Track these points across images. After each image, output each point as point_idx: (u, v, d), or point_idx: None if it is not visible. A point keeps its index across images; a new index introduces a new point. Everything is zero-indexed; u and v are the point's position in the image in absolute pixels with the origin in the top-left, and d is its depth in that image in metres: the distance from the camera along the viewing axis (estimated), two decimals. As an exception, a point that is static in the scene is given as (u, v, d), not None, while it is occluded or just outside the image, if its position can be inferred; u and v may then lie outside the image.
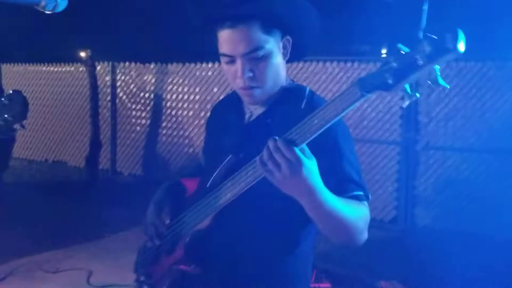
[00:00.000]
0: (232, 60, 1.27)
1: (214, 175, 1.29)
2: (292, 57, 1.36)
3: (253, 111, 1.37)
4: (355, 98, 0.99)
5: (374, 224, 5.16)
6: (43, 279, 3.83)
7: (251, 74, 1.25)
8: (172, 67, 6.96)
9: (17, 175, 7.95)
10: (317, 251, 4.59)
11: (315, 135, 1.05)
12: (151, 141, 7.27)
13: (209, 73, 6.73)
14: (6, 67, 9.19)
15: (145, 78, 7.31)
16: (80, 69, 7.62)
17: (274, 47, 1.28)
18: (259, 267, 1.33)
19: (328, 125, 1.04)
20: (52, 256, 4.28)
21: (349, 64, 5.71)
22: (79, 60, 7.34)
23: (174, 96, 6.97)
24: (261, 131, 1.14)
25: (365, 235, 1.22)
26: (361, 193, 1.24)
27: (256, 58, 1.25)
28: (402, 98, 0.97)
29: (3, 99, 1.31)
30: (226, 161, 1.28)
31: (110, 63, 7.55)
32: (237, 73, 1.26)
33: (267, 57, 1.26)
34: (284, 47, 1.32)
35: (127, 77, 7.49)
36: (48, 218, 5.57)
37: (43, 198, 6.55)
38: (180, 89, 6.92)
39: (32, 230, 5.02)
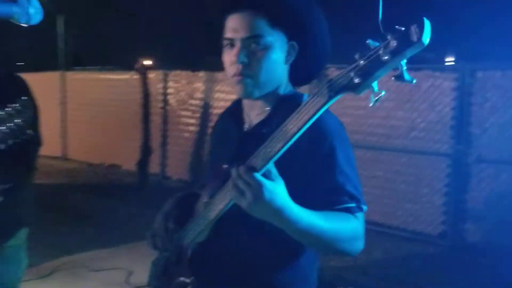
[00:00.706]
0: (231, 44, 1.25)
1: (211, 187, 1.27)
2: (301, 74, 1.32)
3: (252, 120, 1.35)
4: (324, 101, 0.95)
5: (420, 238, 5.01)
6: (86, 276, 4.01)
7: (246, 60, 1.23)
8: (220, 75, 7.09)
9: (74, 176, 8.39)
10: (356, 264, 4.50)
11: (291, 142, 1.01)
12: (199, 147, 7.42)
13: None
14: (69, 75, 9.76)
15: (194, 85, 7.50)
16: (135, 77, 7.94)
17: (276, 43, 1.25)
18: (258, 277, 1.31)
19: (303, 130, 0.99)
20: (96, 254, 4.47)
21: (397, 72, 5.54)
22: (134, 68, 7.65)
23: (221, 104, 7.09)
24: (256, 141, 1.09)
25: (358, 245, 1.20)
26: (353, 205, 1.20)
27: (255, 46, 1.23)
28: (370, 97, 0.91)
29: (16, 105, 1.40)
30: (222, 171, 1.23)
31: (162, 71, 7.83)
32: (233, 59, 1.25)
33: (266, 49, 1.23)
34: (288, 52, 1.29)
35: (178, 85, 7.72)
36: (97, 218, 5.83)
37: (96, 199, 6.87)
38: (227, 97, 7.03)
39: (81, 229, 5.28)
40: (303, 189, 1.17)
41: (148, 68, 7.86)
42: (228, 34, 1.26)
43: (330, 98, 0.95)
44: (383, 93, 0.90)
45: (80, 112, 9.40)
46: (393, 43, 0.84)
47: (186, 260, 1.32)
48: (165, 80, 7.80)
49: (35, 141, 1.72)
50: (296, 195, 1.11)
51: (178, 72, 7.72)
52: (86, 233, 5.16)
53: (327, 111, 1.21)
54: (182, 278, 1.33)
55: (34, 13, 0.93)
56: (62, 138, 9.76)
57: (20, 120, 1.38)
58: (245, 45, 1.23)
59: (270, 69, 1.25)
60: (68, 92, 9.64)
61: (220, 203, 1.18)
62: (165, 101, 7.84)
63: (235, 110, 1.42)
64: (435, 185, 5.29)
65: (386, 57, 0.85)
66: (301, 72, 1.33)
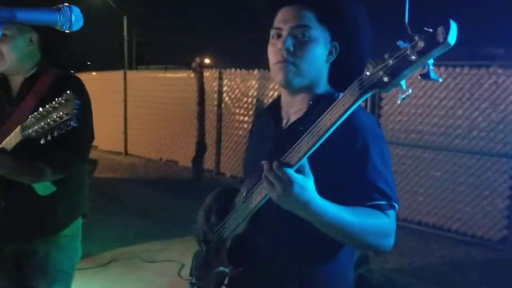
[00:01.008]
0: (278, 35, 1.30)
1: (250, 181, 1.32)
2: (340, 76, 1.34)
3: (290, 117, 1.38)
4: (355, 98, 0.99)
5: (480, 243, 4.80)
6: (141, 267, 4.18)
7: (291, 47, 1.27)
8: (274, 73, 7.12)
9: (134, 171, 8.75)
10: (410, 268, 4.36)
11: (322, 139, 1.05)
12: (253, 145, 7.49)
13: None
14: (131, 74, 10.18)
15: (248, 83, 7.58)
16: (192, 75, 8.15)
17: (321, 38, 1.29)
18: (295, 270, 1.34)
19: (334, 127, 1.03)
20: (151, 246, 4.65)
21: (458, 70, 5.32)
22: (190, 67, 7.85)
23: (275, 102, 7.13)
24: (293, 138, 1.13)
25: (387, 241, 1.21)
26: (383, 202, 1.21)
27: (301, 37, 1.27)
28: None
29: (60, 99, 1.49)
30: (259, 167, 1.30)
31: (218, 70, 7.98)
32: (278, 46, 1.29)
33: (311, 41, 1.27)
34: (330, 52, 1.32)
35: (233, 83, 7.84)
36: (154, 211, 6.06)
37: (153, 193, 7.13)
38: (281, 95, 7.06)
39: (138, 221, 5.51)
40: (336, 185, 1.20)
41: (204, 66, 8.04)
42: (277, 24, 1.31)
43: (360, 95, 0.99)
44: (410, 91, 0.94)
45: (140, 109, 9.79)
46: (421, 44, 0.88)
47: (225, 251, 1.36)
48: (220, 78, 7.95)
49: (81, 133, 1.81)
50: (329, 191, 1.14)
51: (232, 70, 7.84)
52: (142, 225, 5.37)
53: (360, 108, 1.22)
54: (221, 268, 1.37)
55: (75, 20, 1.00)
56: (123, 134, 10.21)
57: (63, 113, 1.47)
58: (292, 33, 1.28)
59: (313, 60, 1.29)
60: (129, 90, 10.06)
61: (257, 197, 1.22)
62: (220, 99, 7.99)
63: (273, 108, 1.45)
64: (497, 188, 5.03)
65: (413, 57, 0.89)
66: (340, 74, 1.35)
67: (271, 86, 7.21)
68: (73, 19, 0.98)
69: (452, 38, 0.85)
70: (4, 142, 1.65)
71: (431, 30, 0.87)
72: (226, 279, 1.40)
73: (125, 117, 10.13)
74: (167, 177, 8.27)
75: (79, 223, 2.04)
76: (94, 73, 11.47)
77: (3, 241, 1.87)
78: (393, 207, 1.22)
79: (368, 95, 0.98)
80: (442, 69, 5.39)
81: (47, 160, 1.76)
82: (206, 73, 7.97)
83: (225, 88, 7.96)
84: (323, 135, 1.04)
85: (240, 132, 7.72)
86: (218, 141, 8.04)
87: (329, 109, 1.04)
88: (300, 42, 1.27)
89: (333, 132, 1.04)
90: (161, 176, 8.32)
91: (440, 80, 0.94)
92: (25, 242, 1.90)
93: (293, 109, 1.37)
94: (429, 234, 5.28)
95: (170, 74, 9.16)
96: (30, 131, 1.53)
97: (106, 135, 10.32)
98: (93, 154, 2.44)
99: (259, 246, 1.35)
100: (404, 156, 5.64)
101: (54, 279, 1.95)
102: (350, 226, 1.15)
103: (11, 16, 0.90)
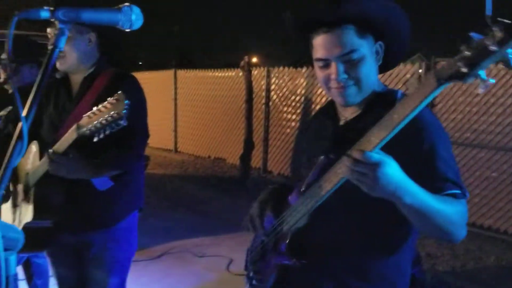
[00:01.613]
0: (326, 64, 1.31)
1: (308, 176, 1.35)
2: (383, 63, 1.37)
3: (347, 116, 1.40)
4: (432, 88, 1.00)
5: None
6: (191, 261, 4.28)
7: (346, 76, 1.29)
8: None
9: (184, 168, 8.94)
10: (464, 270, 4.20)
11: (396, 130, 1.07)
12: (300, 143, 7.47)
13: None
14: (181, 73, 10.40)
15: (296, 81, 7.56)
16: (240, 74, 8.22)
17: (368, 51, 1.31)
18: (356, 263, 1.36)
19: (408, 118, 1.05)
20: (201, 241, 4.75)
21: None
22: (239, 65, 7.93)
23: (323, 99, 7.06)
24: (352, 135, 1.16)
25: (463, 232, 1.24)
26: (458, 191, 1.24)
27: (350, 61, 1.29)
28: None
29: (112, 99, 1.55)
30: (318, 163, 1.33)
31: (266, 68, 8.00)
32: (331, 76, 1.31)
33: (360, 60, 1.29)
34: (377, 52, 1.35)
35: (281, 81, 7.84)
36: (203, 207, 6.18)
37: (202, 189, 7.26)
38: (329, 93, 6.99)
39: (188, 216, 5.64)
40: None
41: (252, 65, 8.09)
42: (321, 54, 1.32)
43: (437, 86, 1.00)
44: (491, 81, 0.95)
45: (190, 108, 9.99)
46: (499, 34, 0.89)
47: (286, 244, 1.39)
48: (268, 77, 7.97)
49: (137, 131, 1.89)
50: None
51: (281, 68, 7.84)
52: (191, 220, 5.50)
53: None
54: (283, 261, 1.40)
55: (135, 19, 1.04)
56: (174, 132, 10.46)
57: (114, 113, 1.53)
58: (341, 62, 1.30)
59: (368, 75, 1.33)
60: (179, 89, 10.29)
61: (320, 192, 1.25)
62: (268, 97, 8.02)
63: (329, 109, 1.49)
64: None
65: (493, 48, 0.90)
66: (384, 63, 1.38)
67: (319, 84, 7.15)
68: (133, 18, 1.03)
69: None
70: (60, 142, 1.74)
71: (507, 21, 0.88)
72: (286, 272, 1.43)
73: (175, 115, 10.37)
74: (215, 174, 8.39)
75: (135, 217, 2.12)
76: (146, 73, 11.82)
77: (64, 233, 1.98)
78: (465, 196, 1.25)
79: (445, 86, 1.00)
80: (499, 65, 5.14)
81: (104, 157, 1.85)
82: (254, 72, 8.02)
83: (273, 86, 7.98)
84: (395, 127, 1.06)
85: (288, 130, 7.71)
86: (266, 139, 8.07)
87: (401, 101, 1.06)
88: (351, 65, 1.30)
89: (405, 124, 1.05)
90: (209, 173, 8.46)
91: None
92: (84, 234, 2.01)
93: (351, 109, 1.39)
94: (484, 236, 5.07)
95: (218, 73, 9.29)
96: (85, 129, 1.61)
97: (157, 133, 10.60)
98: (145, 151, 2.54)
99: (320, 239, 1.37)
100: (459, 156, 5.43)
101: (110, 269, 2.05)
102: (436, 212, 1.17)
103: (77, 16, 0.96)
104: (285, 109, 7.77)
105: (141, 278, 3.79)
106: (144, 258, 4.17)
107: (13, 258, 0.77)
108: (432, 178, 1.23)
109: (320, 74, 1.35)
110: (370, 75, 1.33)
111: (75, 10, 0.96)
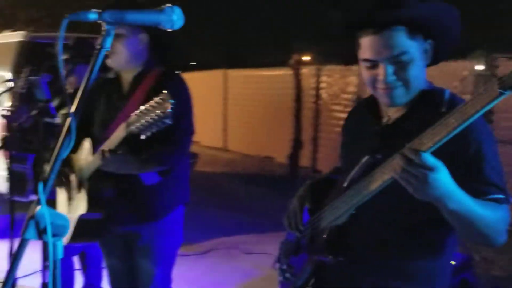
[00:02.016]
0: (374, 65, 1.29)
1: (351, 174, 1.35)
2: (431, 60, 1.35)
3: (391, 114, 1.37)
4: (493, 96, 0.99)
5: None
6: (237, 257, 4.35)
7: (394, 77, 1.27)
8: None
9: (232, 166, 9.07)
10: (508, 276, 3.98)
11: (450, 135, 1.06)
12: (350, 142, 7.37)
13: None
14: (230, 72, 10.55)
15: (347, 79, 7.45)
16: (289, 72, 8.22)
17: (417, 51, 1.28)
18: (395, 262, 1.35)
19: (465, 124, 1.04)
20: (247, 238, 4.81)
21: None
22: (288, 64, 7.93)
23: (374, 98, 6.94)
24: (399, 135, 1.17)
25: (502, 237, 1.23)
26: (502, 196, 1.22)
27: (399, 63, 1.27)
28: None
29: (158, 98, 1.61)
30: (363, 161, 1.32)
31: (315, 66, 7.95)
32: (378, 77, 1.29)
33: (410, 61, 1.27)
34: (426, 51, 1.32)
35: (331, 79, 7.76)
36: (250, 205, 6.24)
37: (250, 187, 7.34)
38: (380, 91, 6.85)
39: (235, 213, 5.72)
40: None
41: (301, 63, 8.07)
42: (369, 55, 1.29)
43: (500, 94, 0.99)
44: None
45: (239, 107, 10.11)
46: None
47: (323, 240, 1.39)
48: (318, 75, 7.92)
49: (182, 128, 1.95)
50: None
51: (331, 66, 7.76)
52: (239, 218, 5.57)
53: None
54: (319, 258, 1.41)
55: (176, 19, 1.08)
56: (223, 131, 10.62)
57: (160, 112, 1.59)
58: (389, 63, 1.27)
59: (417, 76, 1.30)
60: (229, 88, 10.44)
61: (364, 191, 1.25)
62: (317, 96, 7.96)
63: (370, 104, 1.45)
64: None
65: None
66: (433, 58, 1.36)
67: (365, 83, 7.02)
68: (174, 19, 1.07)
69: None
70: (110, 139, 1.83)
71: None
72: (322, 268, 1.43)
73: (225, 114, 10.52)
74: (263, 173, 8.45)
75: (181, 211, 2.19)
76: (197, 72, 12.09)
77: (114, 225, 2.08)
78: (509, 201, 1.24)
79: (508, 93, 0.98)
80: None
81: (150, 153, 1.93)
82: (304, 70, 7.99)
83: (323, 85, 7.92)
84: (451, 132, 1.05)
85: (338, 129, 7.62)
86: (315, 138, 8.02)
87: (460, 106, 1.06)
88: (400, 67, 1.27)
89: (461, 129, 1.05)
90: (258, 172, 8.52)
91: None
92: (133, 226, 2.10)
93: (394, 109, 1.36)
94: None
95: (267, 72, 9.34)
96: (133, 127, 1.68)
97: (207, 132, 10.81)
98: (195, 149, 2.61)
99: (361, 237, 1.36)
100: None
101: (157, 260, 2.13)
102: (479, 218, 1.17)
103: (122, 18, 1.02)
104: (335, 107, 7.68)
105: (189, 272, 3.89)
106: (193, 253, 4.28)
107: (60, 243, 0.83)
108: (477, 182, 1.22)
109: (366, 74, 1.33)
110: (419, 76, 1.31)
111: (121, 12, 1.01)
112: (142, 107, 1.67)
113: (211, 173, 8.32)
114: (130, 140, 1.78)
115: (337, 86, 7.64)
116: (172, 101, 1.58)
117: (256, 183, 7.56)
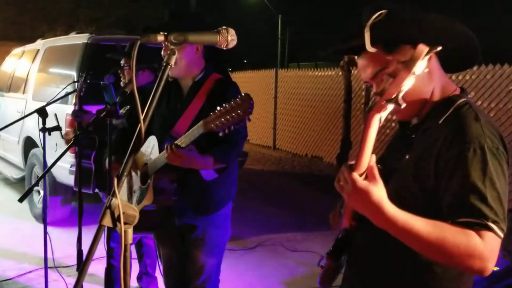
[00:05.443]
0: (371, 85, 1.36)
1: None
2: (453, 66, 1.35)
3: (413, 122, 1.40)
4: None
5: None
6: (283, 254, 4.47)
7: (383, 94, 1.21)
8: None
9: (281, 165, 9.19)
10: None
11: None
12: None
13: (473, 77, 6.44)
14: (281, 72, 10.68)
15: (398, 81, 7.38)
16: (340, 73, 8.23)
17: (404, 59, 1.21)
18: (390, 277, 1.37)
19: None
20: (293, 236, 4.93)
21: None
22: (339, 65, 7.94)
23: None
24: (404, 145, 1.22)
25: (472, 264, 1.07)
26: (474, 220, 1.08)
27: (386, 76, 1.27)
28: None
29: (237, 99, 1.76)
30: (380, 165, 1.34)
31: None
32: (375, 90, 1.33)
33: (397, 72, 1.22)
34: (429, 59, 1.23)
35: (381, 81, 7.71)
36: (297, 203, 6.35)
37: (298, 186, 7.44)
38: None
39: (282, 211, 5.84)
40: (432, 195, 1.20)
41: (353, 64, 8.04)
42: (362, 77, 1.36)
43: None
44: None
45: (289, 106, 10.22)
46: None
47: (335, 243, 1.51)
48: (368, 76, 7.88)
49: (238, 130, 2.10)
50: (423, 200, 1.19)
51: (382, 68, 7.71)
52: (286, 215, 5.70)
53: (476, 117, 1.20)
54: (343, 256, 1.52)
55: (230, 40, 1.23)
56: (273, 130, 10.77)
57: (240, 111, 1.74)
58: (377, 81, 1.29)
59: (413, 89, 1.17)
60: (280, 88, 10.57)
61: None
62: (368, 97, 7.93)
63: None
64: None
65: None
66: (454, 65, 1.35)
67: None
68: (229, 39, 1.23)
69: None
70: (184, 136, 1.99)
71: None
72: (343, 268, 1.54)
73: (275, 113, 10.67)
74: (311, 172, 8.52)
75: (230, 206, 2.37)
76: (248, 72, 12.30)
77: (172, 217, 2.27)
78: (489, 228, 1.08)
79: None
80: None
81: (213, 151, 2.10)
82: (355, 71, 7.98)
83: (373, 86, 7.88)
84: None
85: (388, 131, 7.58)
86: (364, 139, 7.99)
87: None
88: (388, 80, 1.25)
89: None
90: (306, 171, 8.61)
91: None
92: (190, 218, 2.28)
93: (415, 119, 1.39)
94: None
95: (318, 72, 9.38)
96: (212, 125, 1.82)
97: (257, 130, 11.01)
98: (245, 147, 2.76)
99: (359, 242, 1.43)
100: None
101: (210, 251, 2.31)
102: (422, 238, 1.08)
103: (185, 39, 1.18)
104: (384, 109, 7.62)
105: (236, 266, 4.07)
106: (240, 248, 4.46)
107: (130, 231, 1.00)
108: (449, 199, 1.13)
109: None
110: (414, 86, 1.15)
111: (183, 34, 1.18)
112: (219, 108, 1.80)
113: (259, 171, 8.49)
114: (199, 138, 1.92)
115: (388, 87, 7.58)
116: (252, 102, 1.72)
117: (304, 182, 7.65)
